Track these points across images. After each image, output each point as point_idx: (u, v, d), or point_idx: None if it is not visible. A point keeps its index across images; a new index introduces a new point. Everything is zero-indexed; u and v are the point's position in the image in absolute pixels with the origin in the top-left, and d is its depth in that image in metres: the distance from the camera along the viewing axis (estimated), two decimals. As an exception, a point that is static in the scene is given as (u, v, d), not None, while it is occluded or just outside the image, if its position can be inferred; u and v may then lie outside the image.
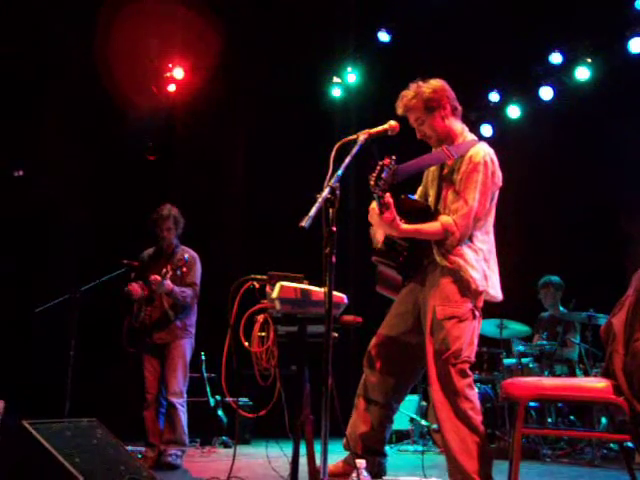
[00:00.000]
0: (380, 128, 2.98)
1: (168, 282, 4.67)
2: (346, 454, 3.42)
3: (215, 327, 4.27)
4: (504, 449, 5.02)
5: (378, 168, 2.94)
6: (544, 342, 5.94)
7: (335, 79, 8.45)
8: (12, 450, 2.76)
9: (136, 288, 4.81)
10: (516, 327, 6.13)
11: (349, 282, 8.04)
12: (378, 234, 3.40)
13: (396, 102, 3.38)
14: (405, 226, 3.14)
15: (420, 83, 3.35)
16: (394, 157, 2.97)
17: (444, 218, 3.17)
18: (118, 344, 4.96)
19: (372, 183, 2.95)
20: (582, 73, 7.10)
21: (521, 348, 6.00)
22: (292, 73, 7.84)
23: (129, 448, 3.36)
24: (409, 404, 6.46)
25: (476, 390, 3.18)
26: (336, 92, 8.54)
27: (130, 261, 5.18)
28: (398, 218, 3.08)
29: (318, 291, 2.91)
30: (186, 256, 4.86)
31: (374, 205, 3.18)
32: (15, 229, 7.02)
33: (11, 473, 2.69)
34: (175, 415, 4.71)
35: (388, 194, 3.02)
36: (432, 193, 3.38)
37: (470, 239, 3.21)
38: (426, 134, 3.38)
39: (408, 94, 3.35)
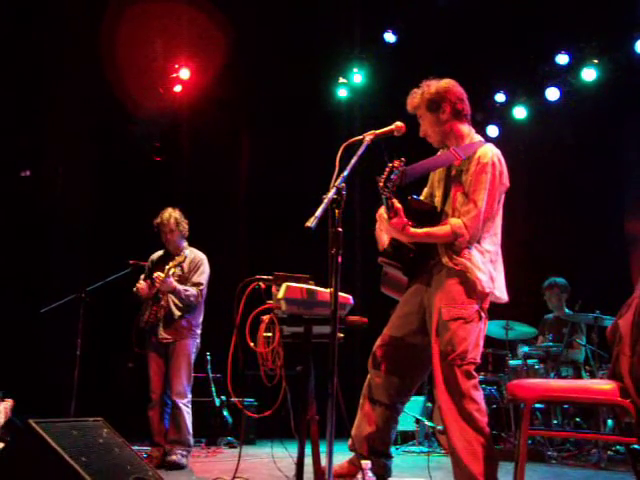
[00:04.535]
0: (386, 129, 2.99)
1: (171, 280, 4.70)
2: (351, 455, 3.41)
3: (221, 327, 4.28)
4: (510, 451, 5.01)
5: (387, 170, 2.93)
6: (549, 343, 5.92)
7: (341, 79, 8.46)
8: (18, 449, 2.77)
9: (144, 287, 4.84)
10: (522, 328, 6.12)
11: (355, 283, 8.05)
12: (384, 235, 3.39)
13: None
14: (415, 230, 3.13)
15: (429, 82, 3.36)
16: (403, 159, 2.96)
17: (454, 221, 3.16)
18: (124, 344, 4.97)
19: (381, 185, 2.95)
20: (588, 74, 7.09)
21: (526, 349, 5.98)
22: (298, 73, 7.85)
23: (134, 448, 3.36)
24: (414, 405, 6.45)
25: (482, 391, 3.17)
26: (342, 92, 8.55)
27: (136, 261, 5.20)
28: (407, 223, 3.07)
29: (324, 292, 2.91)
30: (187, 252, 4.90)
31: (382, 211, 3.17)
32: (22, 228, 7.05)
33: (17, 472, 2.70)
34: (179, 415, 4.72)
35: (396, 200, 3.02)
36: (438, 194, 3.37)
37: (477, 240, 3.20)
38: (427, 132, 3.42)
39: (416, 92, 3.40)
